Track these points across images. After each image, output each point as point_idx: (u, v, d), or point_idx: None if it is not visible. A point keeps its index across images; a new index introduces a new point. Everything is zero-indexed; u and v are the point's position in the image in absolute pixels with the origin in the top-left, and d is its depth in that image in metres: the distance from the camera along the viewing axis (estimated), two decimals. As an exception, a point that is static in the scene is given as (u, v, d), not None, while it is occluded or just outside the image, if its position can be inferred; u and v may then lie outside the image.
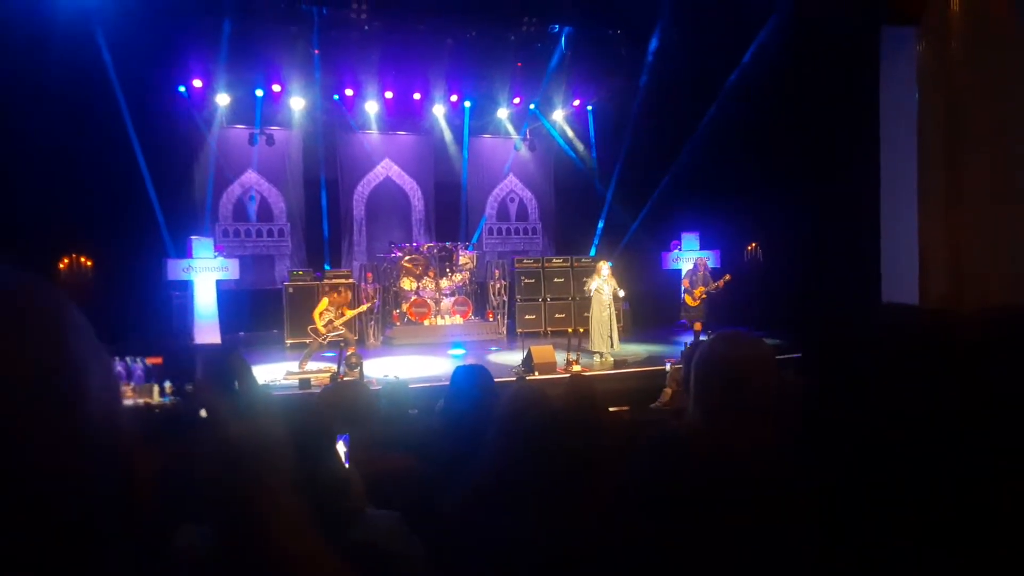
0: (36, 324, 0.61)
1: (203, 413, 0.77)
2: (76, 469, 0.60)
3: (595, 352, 10.76)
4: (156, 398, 7.32)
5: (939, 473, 0.95)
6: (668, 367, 8.62)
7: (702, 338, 10.59)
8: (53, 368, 0.60)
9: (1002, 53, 8.21)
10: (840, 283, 11.35)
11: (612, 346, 10.77)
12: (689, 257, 15.24)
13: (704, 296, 12.02)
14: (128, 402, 7.10)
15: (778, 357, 1.84)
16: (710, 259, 15.03)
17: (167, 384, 7.40)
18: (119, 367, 7.45)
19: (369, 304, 12.51)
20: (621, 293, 10.98)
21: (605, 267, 10.96)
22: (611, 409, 5.81)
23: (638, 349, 11.66)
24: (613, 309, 10.89)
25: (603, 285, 10.79)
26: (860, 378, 0.95)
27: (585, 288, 11.30)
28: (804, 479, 0.93)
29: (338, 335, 10.20)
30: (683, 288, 12.60)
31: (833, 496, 0.91)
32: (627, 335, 12.83)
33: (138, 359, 7.66)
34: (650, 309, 14.98)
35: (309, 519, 0.77)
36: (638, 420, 4.17)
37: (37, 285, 0.64)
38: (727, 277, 11.99)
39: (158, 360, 7.62)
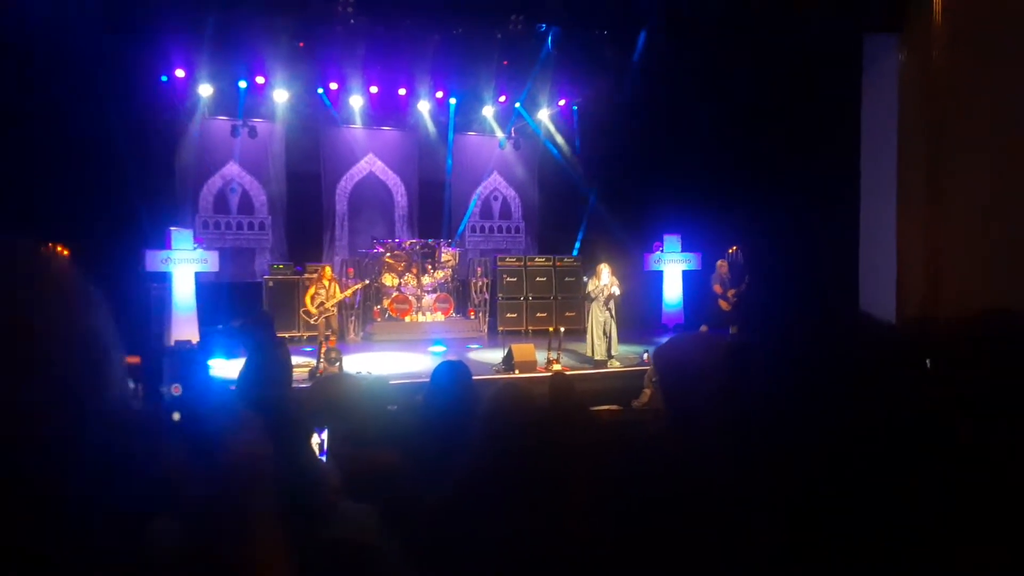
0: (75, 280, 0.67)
1: (176, 416, 0.77)
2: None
3: (592, 358, 10.27)
4: None
5: (911, 479, 0.96)
6: (646, 356, 8.67)
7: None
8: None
9: (983, 63, 8.32)
10: (819, 287, 11.45)
11: (610, 351, 10.23)
12: (673, 260, 15.26)
13: (735, 299, 12.03)
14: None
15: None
16: (692, 262, 15.11)
17: (135, 385, 7.21)
18: None
19: (361, 284, 12.57)
20: (616, 291, 10.23)
21: (605, 270, 10.34)
22: (601, 408, 5.83)
23: (623, 351, 11.54)
24: (611, 314, 10.29)
25: (602, 287, 10.24)
26: (832, 384, 0.94)
27: (588, 291, 10.62)
28: (770, 484, 0.92)
29: (328, 316, 10.30)
30: (716, 293, 12.26)
31: (800, 502, 0.90)
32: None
33: None
34: (632, 310, 15.00)
35: (280, 523, 0.77)
36: (618, 420, 4.18)
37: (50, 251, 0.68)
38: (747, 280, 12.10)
39: (136, 359, 7.35)
